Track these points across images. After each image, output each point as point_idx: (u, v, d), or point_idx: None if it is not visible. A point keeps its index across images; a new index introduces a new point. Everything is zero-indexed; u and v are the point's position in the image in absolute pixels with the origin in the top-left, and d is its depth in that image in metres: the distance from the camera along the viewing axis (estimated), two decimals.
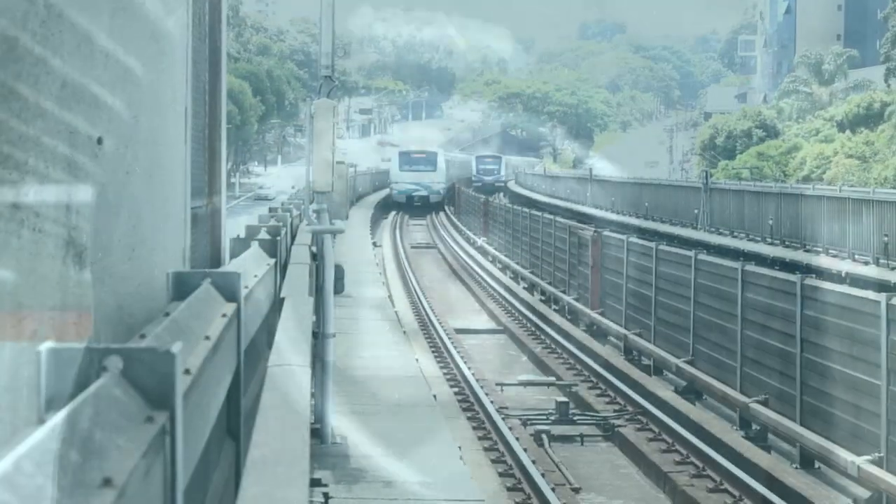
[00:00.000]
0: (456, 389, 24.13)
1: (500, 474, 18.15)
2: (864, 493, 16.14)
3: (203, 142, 6.40)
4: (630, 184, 62.27)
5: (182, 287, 3.94)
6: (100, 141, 3.55)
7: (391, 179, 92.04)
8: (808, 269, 26.29)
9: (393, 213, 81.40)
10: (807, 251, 34.87)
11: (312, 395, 11.13)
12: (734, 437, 19.23)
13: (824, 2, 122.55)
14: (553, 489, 16.85)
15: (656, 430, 20.64)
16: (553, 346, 29.60)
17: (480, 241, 55.82)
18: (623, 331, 28.20)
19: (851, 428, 16.96)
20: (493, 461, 18.85)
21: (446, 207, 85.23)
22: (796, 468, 17.63)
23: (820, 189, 40.40)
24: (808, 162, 70.53)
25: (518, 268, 43.55)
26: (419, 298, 37.98)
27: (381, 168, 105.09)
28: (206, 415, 3.14)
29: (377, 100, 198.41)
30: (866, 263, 30.80)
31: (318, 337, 11.89)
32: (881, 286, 24.78)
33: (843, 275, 29.01)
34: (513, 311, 36.03)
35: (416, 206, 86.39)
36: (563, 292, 35.37)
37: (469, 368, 25.57)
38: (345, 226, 14.76)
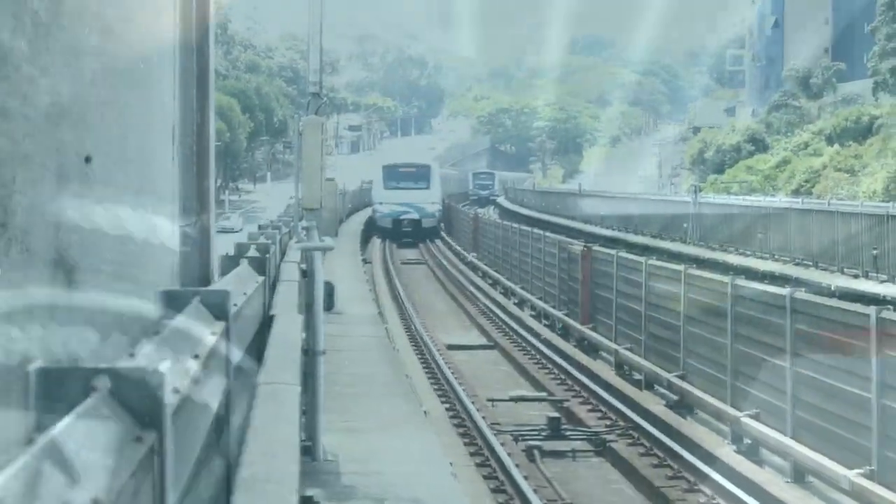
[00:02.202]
0: (447, 405, 24.11)
1: (492, 490, 18.14)
2: None
3: (192, 159, 6.39)
4: (619, 198, 62.43)
5: (171, 305, 3.93)
6: (88, 159, 3.54)
7: (373, 199, 73.50)
8: (797, 283, 26.32)
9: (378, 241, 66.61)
10: (796, 265, 34.94)
11: (303, 412, 11.11)
12: (726, 451, 19.23)
13: (812, 16, 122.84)
14: None
15: (648, 444, 20.64)
16: (544, 361, 29.60)
17: (471, 256, 55.85)
18: (614, 345, 28.20)
19: (843, 441, 16.96)
20: (485, 477, 18.83)
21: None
22: (788, 482, 17.63)
23: (809, 203, 40.55)
24: (796, 176, 70.70)
25: (509, 283, 43.56)
26: (409, 315, 37.96)
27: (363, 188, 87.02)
28: (196, 434, 3.13)
29: (366, 116, 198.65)
30: (856, 277, 30.87)
31: (309, 354, 11.87)
32: (870, 299, 24.82)
33: (832, 288, 29.05)
34: (503, 327, 36.04)
35: (405, 233, 69.75)
36: (554, 307, 35.37)
37: (460, 384, 25.55)
38: (334, 243, 14.74)
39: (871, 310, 16.63)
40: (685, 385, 23.20)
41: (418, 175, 72.96)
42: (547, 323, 35.21)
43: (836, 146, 72.25)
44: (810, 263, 34.24)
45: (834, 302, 19.65)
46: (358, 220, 70.30)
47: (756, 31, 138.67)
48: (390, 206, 70.36)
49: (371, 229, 68.48)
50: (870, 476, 15.90)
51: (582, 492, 18.53)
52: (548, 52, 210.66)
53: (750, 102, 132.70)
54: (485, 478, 18.79)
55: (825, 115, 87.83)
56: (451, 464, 12.92)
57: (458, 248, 62.44)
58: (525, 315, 37.47)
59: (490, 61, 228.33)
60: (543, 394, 25.71)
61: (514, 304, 40.37)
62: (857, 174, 63.76)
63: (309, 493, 10.06)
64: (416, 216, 70.50)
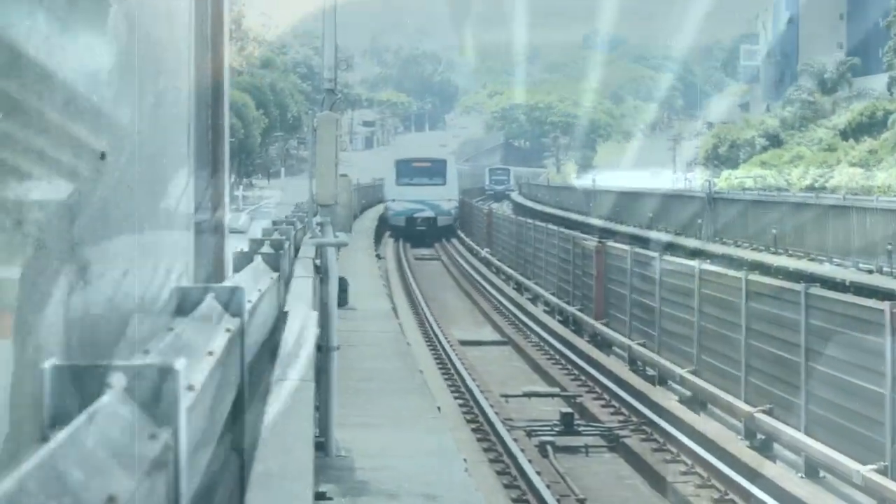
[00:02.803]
0: (460, 401, 24.11)
1: (505, 486, 18.14)
2: (869, 503, 16.12)
3: (206, 156, 6.40)
4: (633, 194, 62.29)
5: (185, 302, 3.93)
6: (103, 156, 3.55)
7: (386, 196, 69.86)
8: (812, 279, 26.27)
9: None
10: (811, 260, 34.85)
11: (317, 408, 11.13)
12: (739, 447, 19.20)
13: (827, 11, 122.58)
14: (558, 500, 16.84)
15: (661, 440, 20.61)
16: (557, 357, 29.57)
17: (484, 251, 55.83)
18: (627, 341, 28.17)
19: (856, 437, 16.93)
20: (498, 473, 18.83)
21: None
22: (801, 477, 17.60)
23: (823, 198, 40.42)
24: (811, 171, 70.53)
25: (522, 279, 43.53)
26: (423, 310, 37.96)
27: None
28: (210, 431, 3.13)
29: (380, 112, 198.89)
30: (870, 272, 30.78)
31: (322, 350, 11.88)
32: (885, 294, 24.74)
33: (846, 284, 28.97)
34: (517, 323, 36.01)
35: (419, 232, 65.91)
36: (567, 303, 35.35)
37: (473, 380, 25.55)
38: (348, 239, 14.76)
39: (886, 305, 16.60)
40: (699, 381, 23.18)
41: (434, 170, 68.98)
42: (560, 319, 35.18)
43: (851, 141, 72.08)
44: (825, 258, 34.15)
45: (848, 297, 19.61)
46: (371, 216, 70.19)
47: (770, 27, 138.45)
48: (404, 204, 66.47)
49: (384, 227, 66.18)
50: (883, 472, 15.88)
51: (595, 487, 18.52)
52: (561, 48, 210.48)
53: (764, 98, 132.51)
54: (498, 473, 18.79)
55: (840, 111, 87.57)
56: (464, 459, 12.93)
57: (472, 243, 62.38)
58: (538, 311, 37.45)
59: (503, 57, 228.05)
60: (556, 389, 25.69)
61: (528, 299, 40.34)
62: (872, 169, 63.60)
63: (322, 488, 10.08)
64: (431, 214, 66.43)
